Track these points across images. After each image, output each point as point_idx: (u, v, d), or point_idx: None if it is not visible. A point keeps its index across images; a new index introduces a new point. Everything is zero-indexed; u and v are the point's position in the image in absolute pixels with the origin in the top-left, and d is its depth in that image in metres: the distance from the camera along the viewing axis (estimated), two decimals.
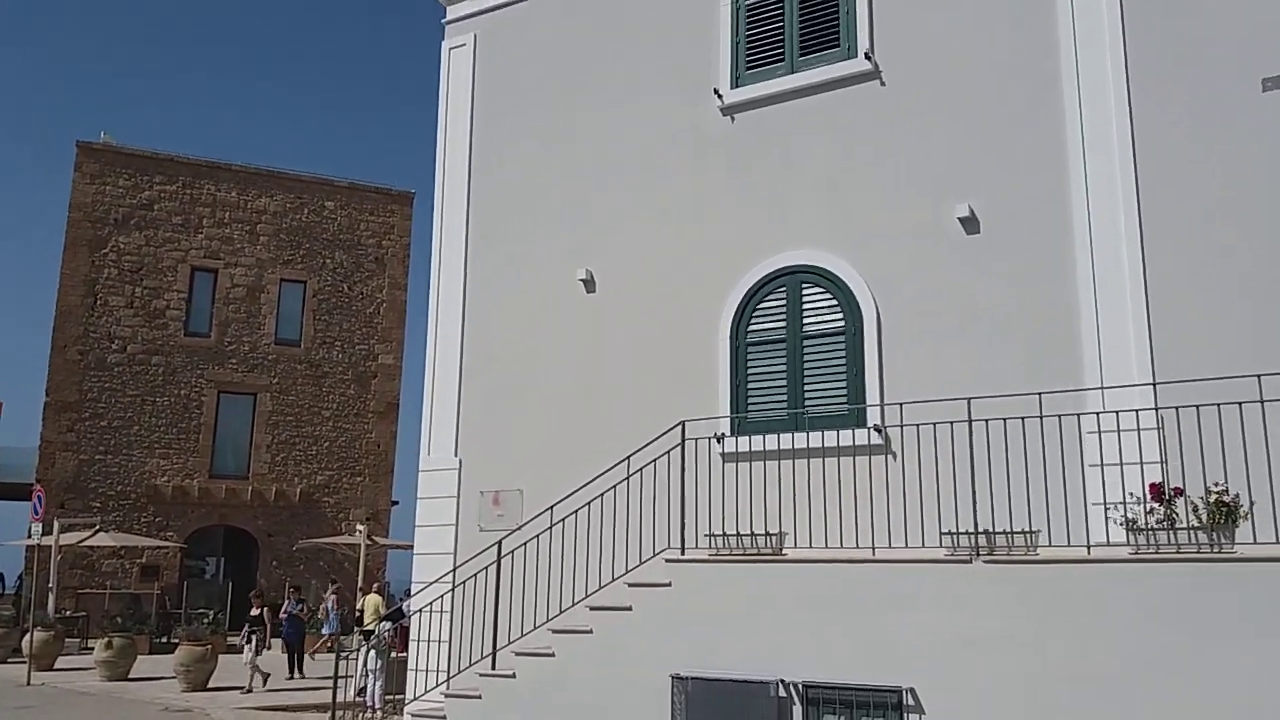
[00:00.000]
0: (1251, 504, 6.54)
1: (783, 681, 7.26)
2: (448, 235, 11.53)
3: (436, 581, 9.90)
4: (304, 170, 30.17)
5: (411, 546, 11.24)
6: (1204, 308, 7.77)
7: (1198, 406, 6.87)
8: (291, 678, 16.47)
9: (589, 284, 10.58)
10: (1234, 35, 8.06)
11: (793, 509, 8.36)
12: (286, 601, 18.13)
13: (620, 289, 10.43)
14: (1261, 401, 6.58)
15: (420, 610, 9.95)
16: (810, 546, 8.01)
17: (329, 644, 16.99)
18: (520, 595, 9.14)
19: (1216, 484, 6.59)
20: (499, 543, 9.27)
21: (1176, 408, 7.04)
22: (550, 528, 9.04)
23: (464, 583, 9.51)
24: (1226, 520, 6.45)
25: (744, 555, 7.90)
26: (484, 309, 11.16)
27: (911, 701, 6.88)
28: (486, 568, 9.29)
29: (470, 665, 8.98)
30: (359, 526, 23.22)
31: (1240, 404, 6.68)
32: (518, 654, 8.50)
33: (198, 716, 12.80)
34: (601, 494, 8.96)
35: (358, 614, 16.41)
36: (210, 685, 15.11)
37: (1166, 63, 8.27)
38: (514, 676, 8.40)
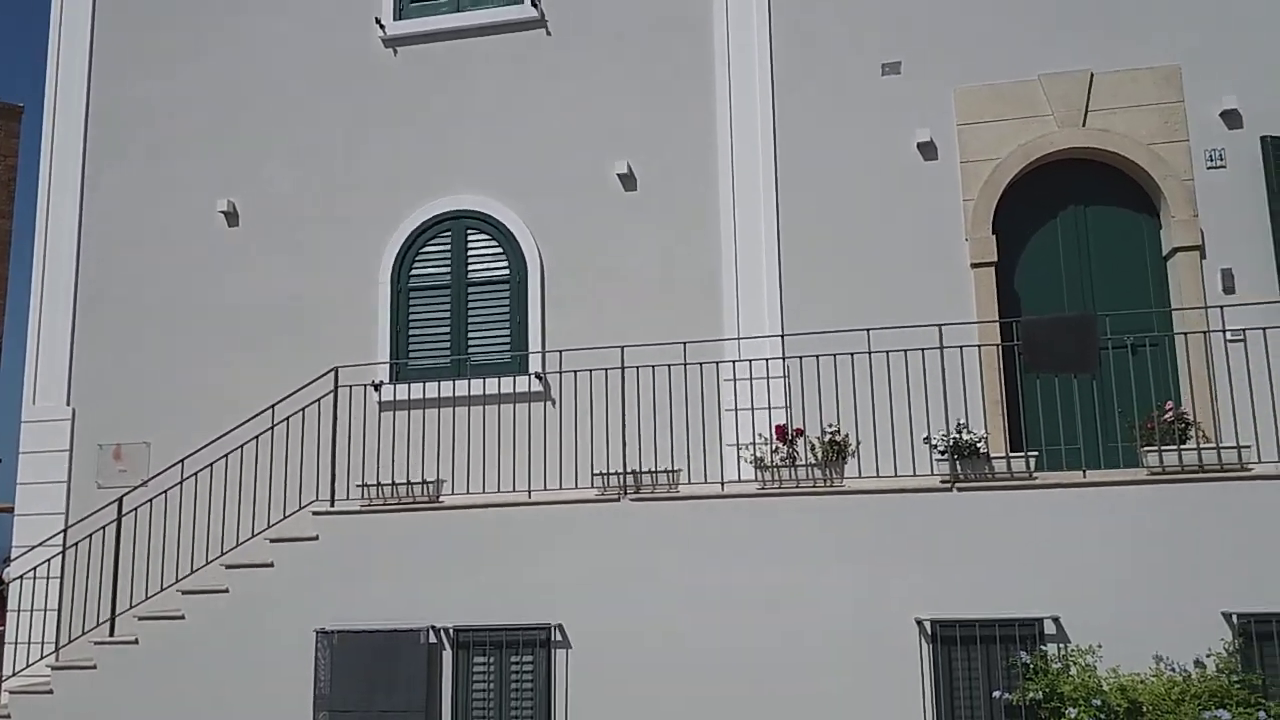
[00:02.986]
0: (858, 443, 7.38)
1: (434, 628, 7.21)
2: (60, 154, 10.13)
3: (43, 544, 8.79)
4: None
5: (12, 509, 9.86)
6: (827, 268, 8.60)
7: (817, 356, 7.63)
8: None
9: (231, 216, 9.75)
10: (862, 22, 8.91)
11: (452, 456, 8.28)
12: None
13: (269, 224, 9.72)
14: (869, 353, 7.41)
15: (22, 577, 8.77)
16: (469, 493, 7.98)
17: None
18: (146, 557, 8.36)
19: (830, 425, 7.37)
20: (120, 500, 8.36)
21: (800, 357, 7.77)
22: (181, 482, 8.29)
23: (77, 544, 8.52)
24: (837, 457, 7.24)
25: (398, 504, 7.71)
26: (105, 240, 9.95)
27: (559, 637, 7.10)
28: (105, 527, 8.37)
29: (84, 634, 8.10)
30: None
31: (852, 354, 7.51)
32: (141, 619, 7.77)
33: None
34: (242, 445, 8.34)
35: None
36: None
37: (805, 44, 8.98)
38: (136, 643, 7.67)
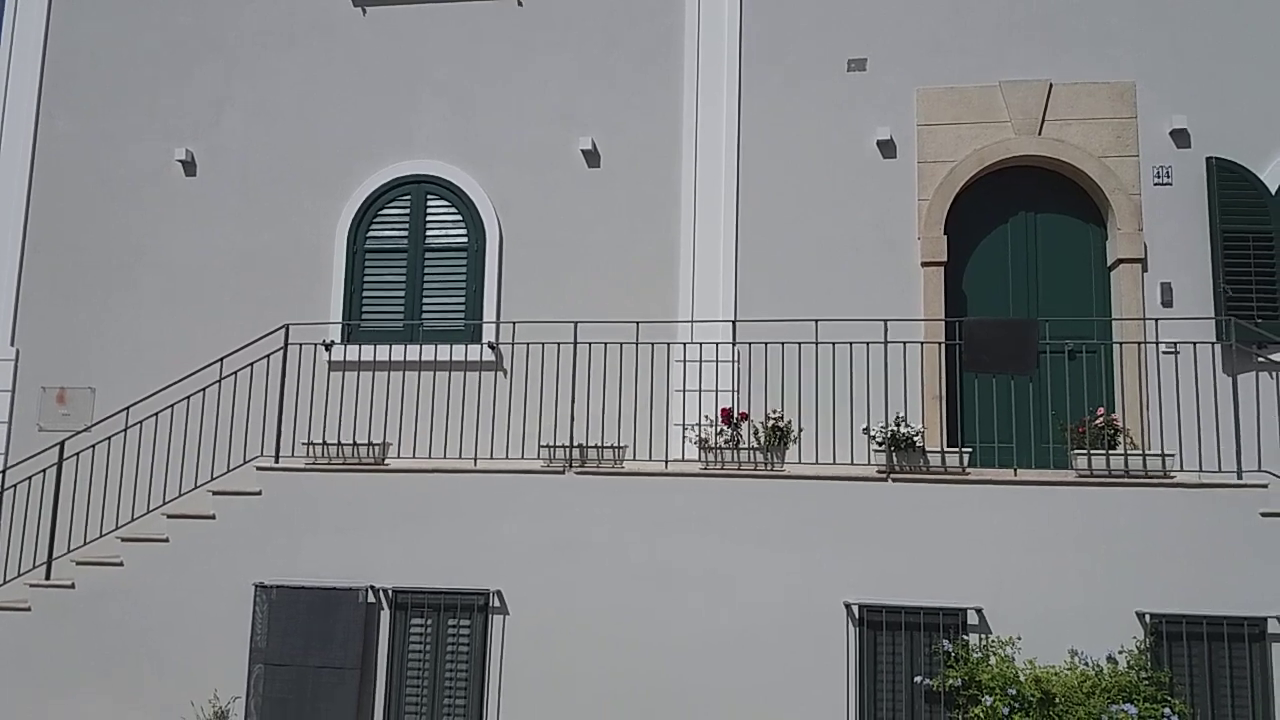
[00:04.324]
0: (800, 430, 7.55)
1: (373, 588, 7.28)
2: (15, 98, 9.92)
3: None
4: None
5: None
6: (782, 257, 8.72)
7: (765, 344, 7.77)
8: None
9: (189, 166, 9.64)
10: (830, 17, 9.01)
11: (400, 420, 8.32)
12: None
13: (226, 176, 9.63)
14: (816, 343, 7.57)
15: None
16: (415, 457, 8.04)
17: None
18: (86, 502, 8.30)
19: (774, 411, 7.53)
20: (61, 444, 8.29)
21: (749, 343, 7.92)
22: (125, 430, 8.24)
23: (15, 486, 8.45)
24: (779, 442, 7.40)
25: (343, 464, 7.75)
26: (58, 180, 9.78)
27: (498, 603, 7.21)
28: (45, 470, 8.29)
29: (19, 575, 8.05)
30: None
31: (799, 344, 7.66)
32: (78, 563, 7.74)
33: None
34: (189, 396, 8.31)
35: None
36: None
37: (774, 35, 9.06)
38: (72, 587, 7.65)
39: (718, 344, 8.12)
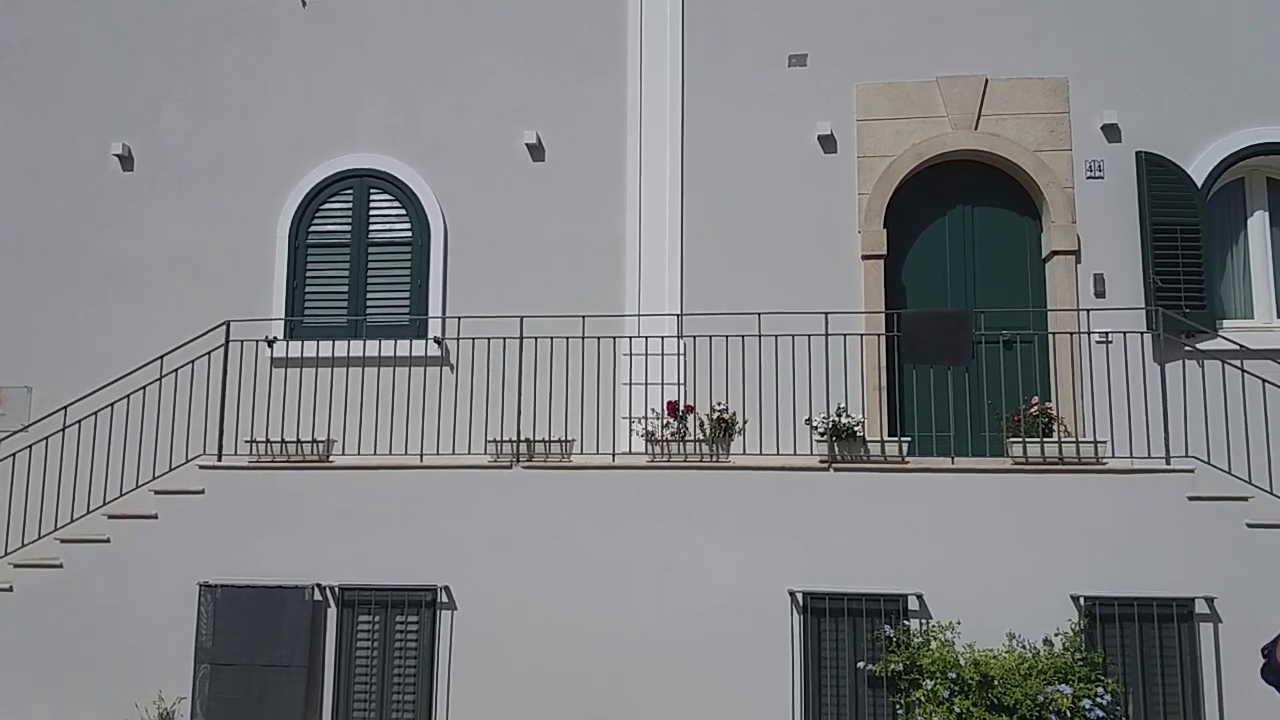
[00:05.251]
0: (745, 421, 7.65)
1: (319, 585, 7.25)
2: None
3: None
4: None
5: None
6: (726, 250, 8.81)
7: (711, 337, 7.85)
8: None
9: (126, 161, 9.47)
10: (772, 13, 9.10)
11: (344, 417, 8.28)
12: None
13: (165, 171, 9.47)
14: (759, 336, 7.67)
15: None
16: (360, 454, 7.99)
17: None
18: (23, 504, 8.13)
19: (719, 403, 7.62)
20: None
21: (694, 337, 7.99)
22: (64, 430, 8.10)
23: None
24: (724, 434, 7.49)
25: (288, 462, 7.70)
26: None
27: (445, 599, 7.22)
28: None
29: None
30: None
31: (743, 337, 7.75)
32: (16, 565, 7.61)
33: None
34: (128, 395, 8.18)
35: None
36: None
37: (716, 29, 9.12)
38: (10, 590, 7.52)
39: (664, 337, 8.18)
